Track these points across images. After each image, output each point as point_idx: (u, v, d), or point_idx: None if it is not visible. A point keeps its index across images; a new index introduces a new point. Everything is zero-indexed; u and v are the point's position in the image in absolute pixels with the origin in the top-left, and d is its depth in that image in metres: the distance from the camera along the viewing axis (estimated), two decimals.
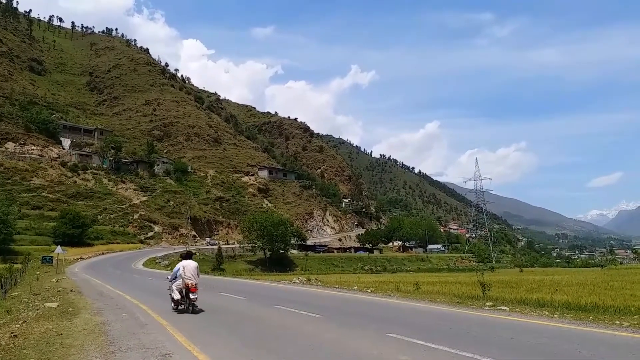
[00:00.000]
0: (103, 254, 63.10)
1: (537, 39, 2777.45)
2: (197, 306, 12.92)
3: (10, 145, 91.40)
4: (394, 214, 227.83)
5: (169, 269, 53.58)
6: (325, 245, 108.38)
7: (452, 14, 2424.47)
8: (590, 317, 10.99)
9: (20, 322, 11.49)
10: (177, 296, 12.97)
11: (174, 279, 13.22)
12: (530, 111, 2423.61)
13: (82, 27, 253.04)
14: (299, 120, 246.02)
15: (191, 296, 12.64)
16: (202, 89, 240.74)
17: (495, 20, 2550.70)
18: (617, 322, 10.15)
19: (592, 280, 30.10)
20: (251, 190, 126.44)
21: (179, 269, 13.06)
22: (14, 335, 9.48)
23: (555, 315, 11.48)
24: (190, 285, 12.64)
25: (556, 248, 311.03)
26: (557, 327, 9.80)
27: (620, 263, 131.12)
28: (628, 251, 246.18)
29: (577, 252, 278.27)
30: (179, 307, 12.99)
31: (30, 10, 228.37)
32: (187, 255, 13.69)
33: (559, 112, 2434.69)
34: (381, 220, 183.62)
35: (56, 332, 9.99)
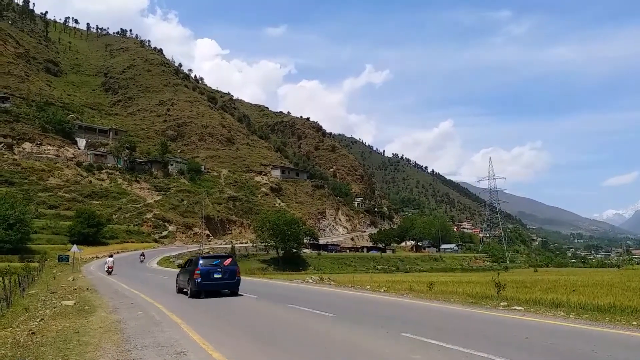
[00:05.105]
0: (118, 252, 63.71)
1: (553, 36, 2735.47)
2: (111, 274, 34.33)
3: (27, 146, 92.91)
4: (406, 213, 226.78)
5: None
6: (338, 245, 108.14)
7: (468, 12, 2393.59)
8: (607, 318, 10.84)
9: (38, 320, 11.67)
10: (105, 268, 34.86)
11: (104, 264, 35.90)
12: (545, 109, 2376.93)
13: (97, 28, 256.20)
14: (311, 119, 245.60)
15: (110, 270, 34.75)
16: (216, 88, 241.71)
17: (513, 17, 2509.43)
18: (635, 323, 10.00)
19: (609, 281, 29.55)
20: (264, 189, 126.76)
21: (107, 260, 36.36)
22: (32, 333, 9.64)
23: (571, 316, 11.34)
24: (109, 266, 35.06)
25: (571, 248, 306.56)
26: (573, 327, 9.69)
27: (637, 263, 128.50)
28: None
29: (592, 252, 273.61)
30: (107, 275, 33.27)
31: (47, 12, 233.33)
32: (110, 256, 38.53)
33: (574, 110, 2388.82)
34: (394, 219, 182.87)
35: (73, 329, 10.13)
